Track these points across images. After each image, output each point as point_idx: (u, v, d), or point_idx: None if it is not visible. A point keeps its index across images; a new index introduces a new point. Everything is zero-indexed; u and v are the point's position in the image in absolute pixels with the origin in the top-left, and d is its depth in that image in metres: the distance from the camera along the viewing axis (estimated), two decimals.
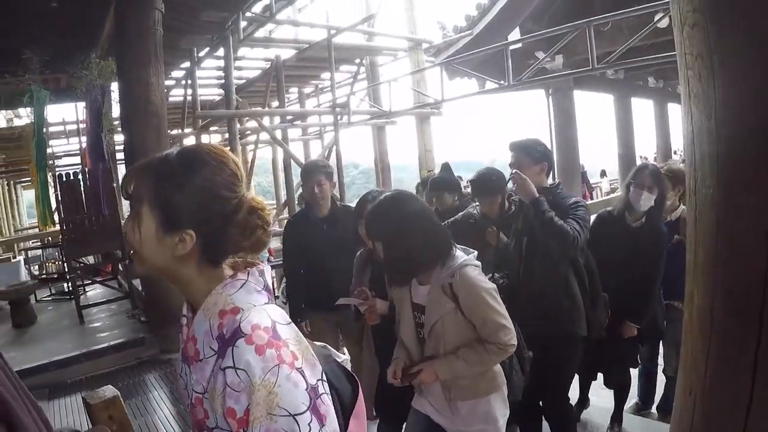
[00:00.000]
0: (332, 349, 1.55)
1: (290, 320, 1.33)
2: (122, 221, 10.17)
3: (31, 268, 14.60)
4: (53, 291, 12.80)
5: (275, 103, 15.32)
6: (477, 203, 4.89)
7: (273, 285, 1.45)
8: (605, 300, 3.96)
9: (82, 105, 11.96)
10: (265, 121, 13.61)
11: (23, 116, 11.94)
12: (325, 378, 1.29)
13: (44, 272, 14.31)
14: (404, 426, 3.18)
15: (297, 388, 1.20)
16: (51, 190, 11.66)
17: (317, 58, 13.64)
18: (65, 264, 11.39)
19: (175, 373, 6.86)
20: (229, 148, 11.79)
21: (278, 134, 14.17)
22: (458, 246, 2.88)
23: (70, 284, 10.90)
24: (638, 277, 4.12)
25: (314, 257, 4.55)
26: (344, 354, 4.11)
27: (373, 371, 3.58)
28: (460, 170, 9.06)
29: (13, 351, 9.01)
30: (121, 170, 11.09)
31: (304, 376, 1.22)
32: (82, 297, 10.90)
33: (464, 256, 2.78)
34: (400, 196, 2.88)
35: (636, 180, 4.16)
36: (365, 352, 3.79)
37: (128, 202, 1.37)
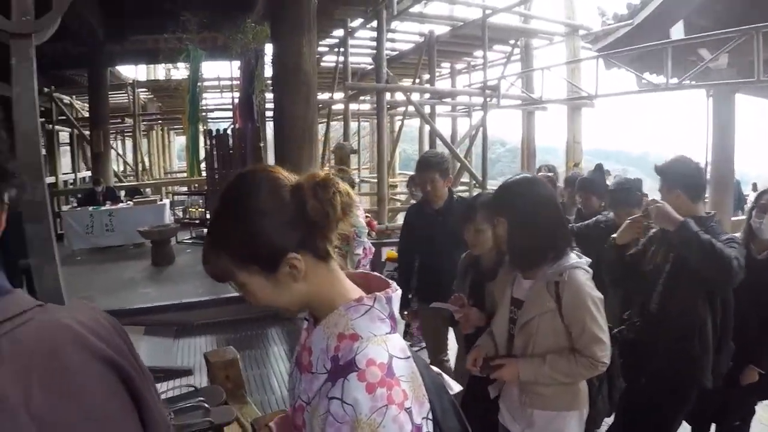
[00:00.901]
0: (446, 378, 1.52)
1: (410, 354, 1.27)
2: None
3: (176, 211, 15.55)
4: (194, 235, 13.48)
5: (426, 76, 15.37)
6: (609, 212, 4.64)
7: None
8: (732, 347, 3.44)
9: (236, 64, 12.49)
10: (414, 96, 13.65)
11: (180, 68, 12.63)
12: (431, 416, 1.25)
13: (187, 216, 14.98)
14: None
15: (401, 431, 1.15)
16: (201, 143, 12.30)
17: (471, 36, 13.52)
18: (207, 212, 11.93)
19: (295, 331, 7.15)
20: (376, 119, 12.09)
21: (426, 109, 14.16)
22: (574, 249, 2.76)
23: None
24: (764, 316, 3.60)
25: (427, 249, 4.55)
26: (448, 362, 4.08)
27: (465, 376, 3.41)
28: (609, 161, 8.73)
29: (150, 287, 9.74)
30: (269, 130, 11.48)
31: (411, 417, 1.17)
32: None
33: (576, 258, 2.67)
34: (534, 178, 2.81)
35: (758, 203, 3.72)
36: (457, 355, 3.75)
37: (229, 283, 1.36)
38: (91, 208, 12.86)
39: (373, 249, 6.60)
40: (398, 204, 14.15)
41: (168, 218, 13.42)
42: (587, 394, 2.74)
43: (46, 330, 0.92)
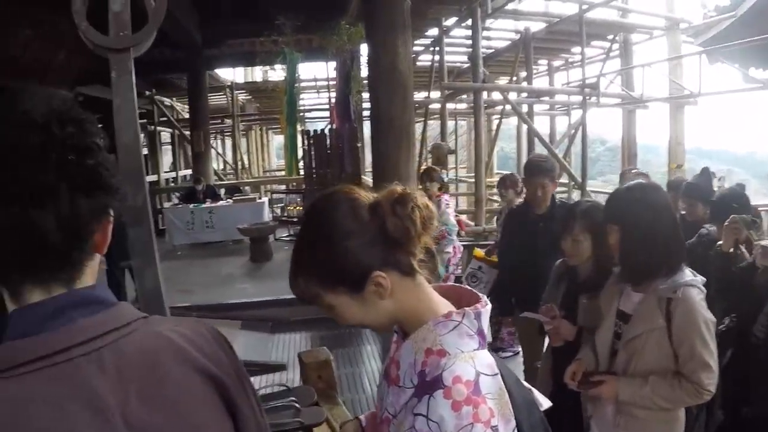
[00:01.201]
0: (537, 394, 1.50)
1: (497, 371, 1.25)
2: (362, 180, 10.80)
3: (274, 209, 15.93)
4: (291, 233, 13.72)
5: (523, 74, 15.17)
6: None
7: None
8: None
9: (332, 64, 12.70)
10: (512, 95, 13.46)
11: (277, 69, 12.98)
12: None
13: (285, 214, 15.27)
14: None
15: None
16: (299, 143, 12.56)
17: (567, 32, 13.20)
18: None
19: (389, 331, 7.17)
20: (473, 118, 12.01)
21: (524, 108, 13.97)
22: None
23: None
24: None
25: (528, 254, 4.43)
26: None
27: (546, 390, 3.28)
28: (712, 160, 8.32)
29: (247, 283, 10.04)
30: (367, 130, 11.61)
31: None
32: None
33: (691, 276, 2.51)
34: (651, 185, 2.69)
35: None
36: (542, 367, 3.56)
37: (316, 305, 1.34)
38: (191, 206, 13.40)
39: (462, 248, 6.55)
40: (495, 205, 13.98)
41: (266, 216, 13.76)
42: (684, 423, 2.60)
43: (148, 342, 0.97)
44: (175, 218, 13.25)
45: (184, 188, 16.71)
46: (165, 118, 19.57)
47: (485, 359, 1.24)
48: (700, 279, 2.52)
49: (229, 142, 25.82)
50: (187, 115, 18.82)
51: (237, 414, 1.05)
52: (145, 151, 20.26)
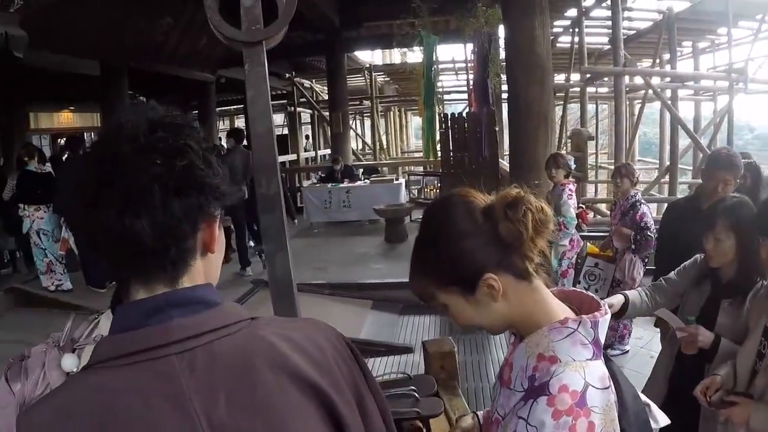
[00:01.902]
0: (654, 410, 1.47)
1: (609, 384, 1.22)
2: (500, 165, 10.68)
3: (411, 190, 16.06)
4: None
5: (667, 56, 14.44)
6: None
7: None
8: None
9: (470, 46, 12.60)
10: (654, 79, 12.81)
11: (415, 51, 13.07)
12: None
13: (422, 196, 15.43)
14: None
15: None
16: (436, 126, 12.58)
17: (713, 12, 12.37)
18: (441, 192, 12.22)
19: (503, 333, 7.08)
20: (614, 102, 11.58)
21: (667, 93, 13.28)
22: None
23: None
24: None
25: (688, 250, 4.20)
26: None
27: (655, 398, 3.09)
28: None
29: (381, 263, 10.19)
30: (505, 113, 11.46)
31: None
32: None
33: None
34: None
35: None
36: (653, 373, 3.36)
37: (431, 304, 1.37)
38: (329, 185, 13.74)
39: (581, 242, 6.34)
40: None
41: (403, 197, 13.86)
42: None
43: (246, 345, 0.98)
44: (313, 197, 13.64)
45: (322, 167, 17.20)
46: (304, 99, 20.16)
47: (597, 371, 1.22)
48: None
49: (367, 122, 26.30)
50: (326, 97, 19.30)
51: (344, 428, 1.02)
52: (285, 131, 21.05)
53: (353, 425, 1.03)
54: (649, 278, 6.75)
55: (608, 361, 1.30)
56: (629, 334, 6.07)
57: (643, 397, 1.44)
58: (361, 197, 13.40)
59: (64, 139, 14.13)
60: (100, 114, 16.68)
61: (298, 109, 20.22)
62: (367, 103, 22.31)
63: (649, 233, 5.46)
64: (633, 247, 5.56)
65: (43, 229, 8.59)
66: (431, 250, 1.32)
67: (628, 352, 6.03)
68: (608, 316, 1.28)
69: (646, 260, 5.73)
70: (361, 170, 16.29)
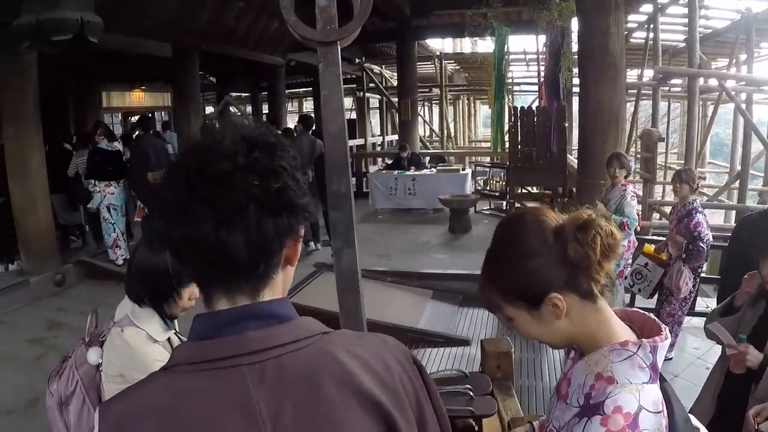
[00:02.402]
0: (700, 428, 1.50)
1: (661, 409, 1.26)
2: (567, 162, 10.57)
3: (477, 181, 15.98)
4: (492, 206, 13.77)
5: (743, 56, 13.98)
6: None
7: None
8: None
9: (542, 39, 12.47)
10: (729, 82, 12.41)
11: (486, 40, 13.00)
12: None
13: (488, 188, 15.36)
14: None
15: None
16: (505, 118, 12.51)
17: None
18: (507, 186, 12.16)
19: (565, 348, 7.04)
20: (687, 103, 11.29)
21: (742, 96, 12.85)
22: None
23: (509, 205, 11.73)
24: None
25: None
26: None
27: (703, 415, 3.08)
28: None
29: (445, 253, 10.22)
30: (575, 108, 11.31)
31: None
32: None
33: None
34: None
35: None
36: (704, 389, 3.32)
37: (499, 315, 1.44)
38: (396, 172, 13.79)
39: (636, 243, 6.26)
40: (704, 199, 12.99)
41: (468, 188, 13.78)
42: None
43: (314, 361, 1.03)
44: (379, 183, 13.73)
45: (389, 153, 17.26)
46: (373, 85, 20.24)
47: (652, 395, 1.26)
48: None
49: (435, 109, 26.22)
50: (395, 83, 19.35)
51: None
52: (353, 115, 21.17)
53: None
54: (710, 286, 6.62)
55: (663, 382, 1.35)
56: (675, 342, 6.00)
57: (694, 421, 1.47)
58: (427, 186, 13.39)
59: (137, 118, 14.55)
60: (171, 94, 17.09)
61: (367, 94, 20.32)
62: (436, 90, 22.28)
63: (701, 244, 5.36)
64: (684, 256, 5.49)
65: (113, 204, 9.01)
66: (501, 265, 1.38)
67: (671, 359, 5.95)
68: (668, 342, 1.32)
69: (700, 270, 5.68)
70: (428, 158, 16.28)
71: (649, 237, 7.13)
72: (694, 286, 5.68)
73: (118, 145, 9.69)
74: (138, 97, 18.13)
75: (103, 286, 8.45)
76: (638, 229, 6.49)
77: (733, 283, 4.25)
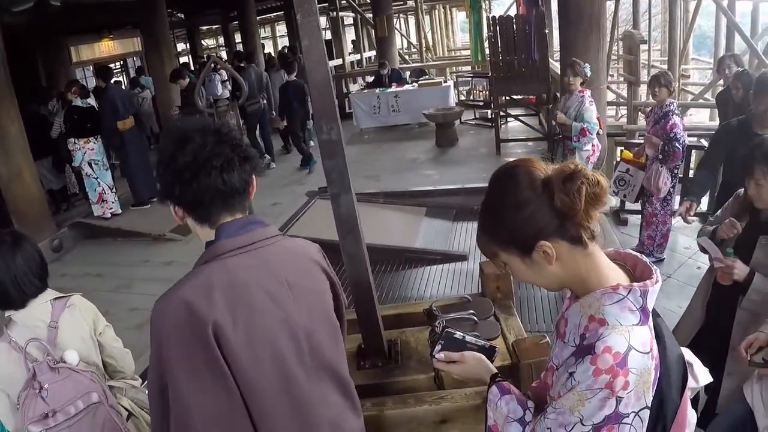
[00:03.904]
0: (696, 370, 1.59)
1: (649, 350, 1.33)
2: (550, 68, 10.48)
3: (460, 91, 15.85)
4: (477, 116, 13.80)
5: None
6: None
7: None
8: None
9: None
10: None
11: None
12: (644, 414, 1.33)
13: (471, 98, 15.20)
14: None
15: (600, 410, 1.29)
16: (484, 28, 12.29)
17: None
18: (491, 96, 12.07)
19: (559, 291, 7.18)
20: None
21: None
22: None
23: (492, 114, 11.69)
24: None
25: (734, 173, 4.07)
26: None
27: (694, 323, 3.28)
28: None
29: (434, 169, 10.28)
30: (555, 15, 11.09)
31: (617, 404, 1.28)
32: (502, 128, 11.57)
33: None
34: None
35: None
36: (694, 298, 3.39)
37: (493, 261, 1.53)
38: (377, 90, 13.70)
39: (600, 145, 6.33)
40: (689, 98, 12.86)
41: (452, 100, 13.71)
42: None
43: (293, 246, 1.81)
44: (361, 103, 13.66)
45: (369, 72, 17.07)
46: (346, 3, 19.71)
47: (642, 336, 1.34)
48: None
49: (412, 20, 25.69)
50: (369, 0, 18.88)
51: (337, 300, 1.92)
52: (328, 35, 20.75)
53: (340, 294, 1.94)
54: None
55: (657, 317, 1.44)
56: (666, 242, 6.21)
57: (688, 355, 1.57)
58: (410, 101, 13.34)
59: (95, 70, 14.34)
60: (140, 38, 16.67)
61: (341, 13, 19.82)
62: (411, 2, 21.76)
63: (677, 144, 5.53)
64: (660, 156, 5.66)
65: (93, 159, 9.00)
66: (494, 215, 1.45)
67: (663, 260, 6.20)
68: (659, 285, 1.40)
69: (675, 171, 5.85)
70: (408, 73, 16.10)
71: (635, 141, 7.17)
72: (673, 186, 5.88)
73: (91, 101, 9.77)
74: (107, 47, 17.62)
75: (101, 245, 8.65)
76: (600, 132, 6.55)
77: (704, 184, 4.53)
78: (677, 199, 6.14)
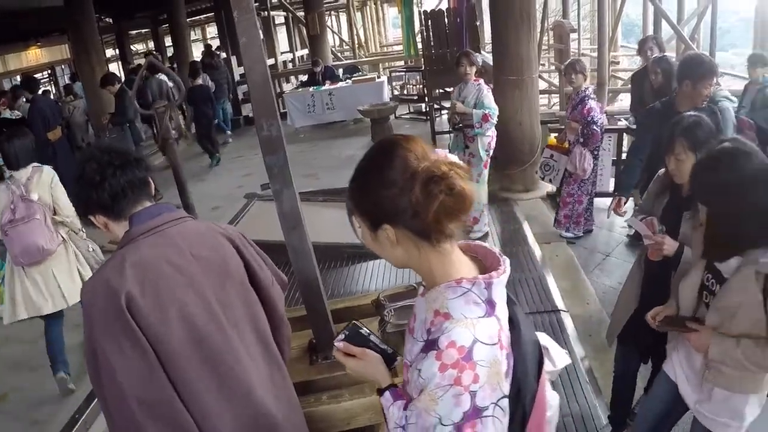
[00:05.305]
0: (552, 354, 1.66)
1: (497, 341, 1.33)
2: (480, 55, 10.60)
3: (394, 86, 15.88)
4: (411, 110, 13.89)
5: None
6: None
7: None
8: None
9: None
10: None
11: None
12: (503, 402, 1.32)
13: (405, 93, 15.32)
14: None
15: (456, 407, 1.27)
16: (416, 22, 12.34)
17: None
18: (425, 89, 12.16)
19: (509, 213, 7.43)
20: None
21: None
22: None
23: (427, 107, 11.76)
24: None
25: (659, 156, 4.21)
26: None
27: (629, 303, 3.32)
28: None
29: None
30: (486, 8, 11.19)
31: (473, 398, 1.27)
32: (437, 120, 11.54)
33: None
34: (739, 150, 2.28)
35: None
36: (628, 279, 3.44)
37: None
38: (311, 89, 13.65)
39: (496, 132, 6.41)
40: (619, 84, 13.15)
41: (386, 95, 13.73)
42: None
43: (198, 227, 2.05)
44: (295, 101, 13.61)
45: (302, 70, 17.00)
46: (277, 2, 19.58)
47: (488, 329, 1.33)
48: None
49: (344, 17, 25.69)
50: None
51: (249, 266, 2.11)
52: (261, 35, 20.56)
53: (254, 265, 2.12)
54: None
55: (513, 306, 1.45)
56: (585, 221, 6.52)
57: (543, 340, 1.60)
58: (345, 98, 13.36)
59: (20, 81, 13.94)
60: (69, 45, 16.20)
61: (272, 12, 19.68)
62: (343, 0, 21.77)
63: (595, 127, 5.88)
64: (581, 140, 5.99)
65: None
66: (360, 181, 1.42)
67: (581, 237, 6.50)
68: (506, 276, 1.41)
69: (596, 152, 6.17)
70: (341, 70, 16.10)
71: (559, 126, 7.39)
72: (594, 166, 6.18)
73: (19, 112, 9.84)
74: (35, 55, 17.13)
75: None
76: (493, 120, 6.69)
77: (637, 166, 4.74)
78: (598, 180, 6.53)
